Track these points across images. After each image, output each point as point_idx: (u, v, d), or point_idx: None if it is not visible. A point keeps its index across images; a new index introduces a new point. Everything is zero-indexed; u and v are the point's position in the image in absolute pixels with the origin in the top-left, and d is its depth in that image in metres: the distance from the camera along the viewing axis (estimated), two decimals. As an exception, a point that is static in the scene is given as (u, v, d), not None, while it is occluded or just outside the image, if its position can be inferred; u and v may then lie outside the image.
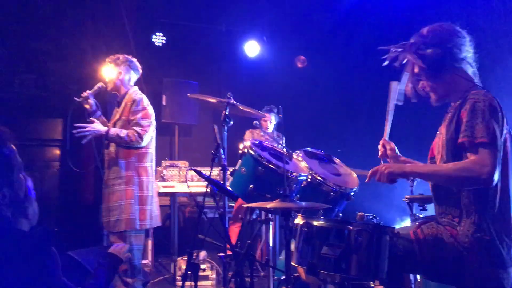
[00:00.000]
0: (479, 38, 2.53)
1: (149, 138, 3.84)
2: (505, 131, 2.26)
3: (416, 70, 2.44)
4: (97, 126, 3.80)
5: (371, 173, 2.44)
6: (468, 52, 2.41)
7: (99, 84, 3.96)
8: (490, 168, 2.12)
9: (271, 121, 6.01)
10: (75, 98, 3.90)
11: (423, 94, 2.53)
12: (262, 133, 5.89)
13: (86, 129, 3.74)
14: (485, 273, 2.19)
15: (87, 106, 3.94)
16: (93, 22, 6.30)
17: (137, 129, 3.73)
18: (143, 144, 3.78)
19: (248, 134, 6.02)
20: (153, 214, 3.87)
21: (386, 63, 2.52)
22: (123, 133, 3.74)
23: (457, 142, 2.24)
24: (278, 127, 6.05)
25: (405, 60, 2.47)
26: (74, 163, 3.95)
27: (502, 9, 5.28)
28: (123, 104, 3.91)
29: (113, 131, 3.77)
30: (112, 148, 3.86)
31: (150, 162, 3.90)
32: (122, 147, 3.80)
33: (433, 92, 2.47)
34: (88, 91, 3.92)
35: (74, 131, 3.71)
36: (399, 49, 2.46)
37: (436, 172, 2.30)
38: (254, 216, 4.04)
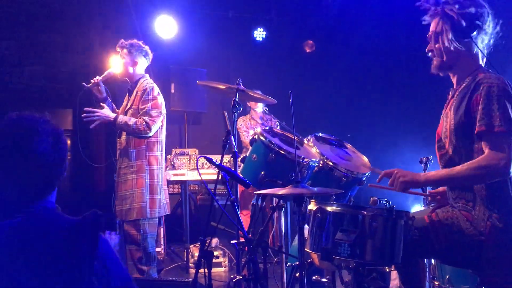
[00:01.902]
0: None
1: (157, 128, 3.82)
2: None
3: (445, 33, 2.31)
4: (106, 112, 3.80)
5: (384, 175, 2.44)
6: (490, 28, 2.34)
7: (109, 70, 3.94)
8: (506, 160, 2.10)
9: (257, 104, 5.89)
10: (84, 84, 3.86)
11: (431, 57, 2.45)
12: (251, 118, 5.89)
13: (95, 114, 3.74)
14: (506, 254, 2.18)
15: (97, 94, 3.92)
16: (100, 12, 6.28)
17: (146, 118, 3.72)
18: (151, 134, 3.77)
19: (240, 122, 5.99)
20: (162, 203, 3.88)
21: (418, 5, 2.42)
22: (131, 121, 3.73)
23: (473, 129, 2.19)
24: (269, 110, 5.90)
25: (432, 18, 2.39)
26: (85, 154, 3.96)
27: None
28: (134, 93, 3.90)
29: (122, 118, 3.77)
30: (123, 137, 3.87)
31: (160, 151, 3.90)
32: (131, 136, 3.81)
33: (440, 58, 2.38)
34: (98, 77, 3.89)
35: (83, 115, 3.72)
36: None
37: (452, 176, 2.25)
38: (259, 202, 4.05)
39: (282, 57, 7.44)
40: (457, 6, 2.28)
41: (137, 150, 3.80)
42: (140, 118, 3.74)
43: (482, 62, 2.40)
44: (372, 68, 6.91)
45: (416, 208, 5.04)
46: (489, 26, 2.33)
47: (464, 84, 2.34)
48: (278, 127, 5.52)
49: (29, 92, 6.37)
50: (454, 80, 2.47)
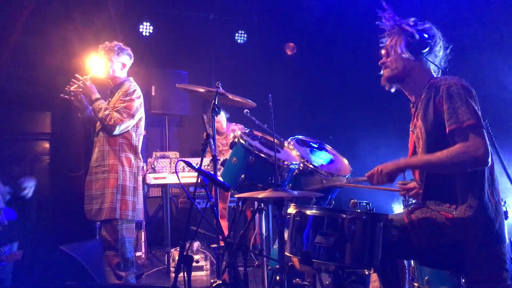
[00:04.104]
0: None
1: (123, 130, 3.77)
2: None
3: (399, 43, 2.45)
4: (93, 88, 3.79)
5: (367, 179, 2.47)
6: (440, 55, 2.49)
7: (93, 73, 3.89)
8: (484, 148, 2.18)
9: (222, 122, 6.02)
10: (62, 95, 3.80)
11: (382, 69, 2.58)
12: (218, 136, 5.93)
13: (80, 82, 3.75)
14: (486, 252, 2.22)
15: (78, 104, 3.86)
16: (80, 14, 6.20)
17: (116, 115, 3.69)
18: (115, 132, 3.73)
19: None
20: (137, 207, 3.84)
21: (377, 23, 2.58)
22: (107, 111, 3.71)
23: (445, 131, 2.26)
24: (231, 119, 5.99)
25: (391, 34, 2.51)
26: (64, 158, 3.92)
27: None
28: (116, 94, 3.86)
29: (102, 103, 3.75)
30: (100, 135, 3.82)
31: (133, 154, 3.85)
32: (107, 134, 3.75)
33: (392, 70, 2.51)
34: (85, 77, 3.83)
35: (73, 78, 3.75)
36: (395, 18, 2.50)
37: (432, 161, 2.30)
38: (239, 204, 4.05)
39: (263, 60, 7.44)
40: (412, 24, 2.44)
41: (111, 150, 3.76)
42: (112, 113, 3.71)
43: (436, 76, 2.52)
44: (353, 71, 6.94)
45: (396, 209, 5.07)
46: (440, 50, 2.47)
47: (424, 93, 2.42)
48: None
49: (7, 94, 6.26)
50: (407, 94, 2.57)
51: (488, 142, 2.20)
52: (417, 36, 2.41)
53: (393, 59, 2.49)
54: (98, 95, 3.79)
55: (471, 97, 2.25)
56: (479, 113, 2.24)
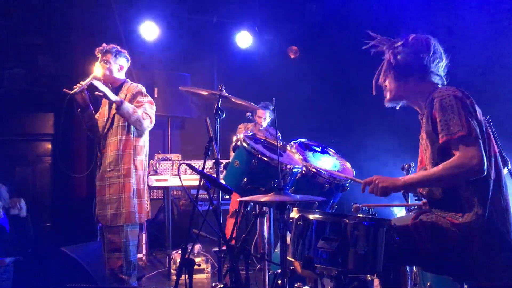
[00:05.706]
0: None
1: (151, 126, 3.75)
2: (480, 117, 2.31)
3: (385, 66, 2.55)
4: (110, 91, 3.60)
5: (364, 184, 2.48)
6: (440, 66, 2.50)
7: (93, 75, 3.83)
8: (478, 158, 2.17)
9: (265, 118, 5.83)
10: (66, 90, 3.69)
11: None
12: (257, 128, 5.81)
13: (102, 87, 3.55)
14: (495, 258, 2.21)
15: (80, 101, 3.77)
16: (83, 15, 6.22)
17: (146, 112, 3.65)
18: (146, 129, 3.70)
19: (241, 128, 5.96)
20: (146, 208, 3.82)
21: (365, 47, 2.67)
22: (137, 110, 3.60)
23: (439, 143, 2.27)
24: (272, 123, 5.94)
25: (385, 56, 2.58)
26: (64, 158, 3.89)
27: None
28: (122, 96, 3.81)
29: (128, 104, 3.61)
30: (112, 139, 3.76)
31: (145, 156, 3.83)
32: (132, 125, 3.67)
33: (390, 92, 2.57)
34: (82, 82, 3.73)
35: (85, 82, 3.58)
36: (383, 43, 2.58)
37: (428, 177, 2.31)
38: (248, 208, 4.01)
39: (266, 63, 7.44)
40: (398, 49, 2.50)
41: (125, 154, 3.71)
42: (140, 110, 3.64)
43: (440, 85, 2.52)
44: (356, 75, 6.94)
45: (399, 214, 5.06)
46: (437, 62, 2.48)
47: (427, 106, 2.42)
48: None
49: (10, 95, 6.28)
50: (415, 107, 2.60)
51: (483, 152, 2.19)
52: (401, 69, 2.47)
53: (389, 84, 2.57)
54: (117, 97, 3.62)
55: (464, 108, 2.24)
56: (474, 123, 2.22)
